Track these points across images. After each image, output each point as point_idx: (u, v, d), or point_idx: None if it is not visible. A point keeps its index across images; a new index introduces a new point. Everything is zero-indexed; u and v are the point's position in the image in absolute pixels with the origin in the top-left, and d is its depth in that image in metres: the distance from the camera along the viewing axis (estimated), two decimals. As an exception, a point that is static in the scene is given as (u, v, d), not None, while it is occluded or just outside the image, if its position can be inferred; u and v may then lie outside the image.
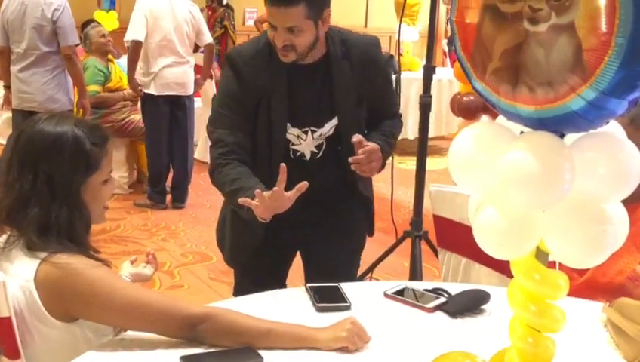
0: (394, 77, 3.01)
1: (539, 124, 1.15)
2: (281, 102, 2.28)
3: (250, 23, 10.34)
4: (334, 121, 2.31)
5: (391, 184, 3.46)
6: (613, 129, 1.19)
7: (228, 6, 8.85)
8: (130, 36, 5.34)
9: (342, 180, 2.39)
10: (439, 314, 1.88)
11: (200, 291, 3.99)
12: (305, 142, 2.32)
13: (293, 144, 2.32)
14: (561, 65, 1.07)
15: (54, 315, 1.60)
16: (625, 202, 1.21)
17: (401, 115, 2.58)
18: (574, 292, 2.09)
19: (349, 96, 2.31)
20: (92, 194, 1.71)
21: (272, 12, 2.16)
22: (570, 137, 1.18)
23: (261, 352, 1.59)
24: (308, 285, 1.97)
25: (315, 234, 2.44)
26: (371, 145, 2.20)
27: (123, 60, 6.71)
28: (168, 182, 5.67)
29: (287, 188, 2.08)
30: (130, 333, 1.67)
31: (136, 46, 5.32)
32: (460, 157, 1.24)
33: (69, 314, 1.61)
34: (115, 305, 1.60)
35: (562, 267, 2.19)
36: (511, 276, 1.34)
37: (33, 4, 4.68)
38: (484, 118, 4.84)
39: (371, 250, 4.38)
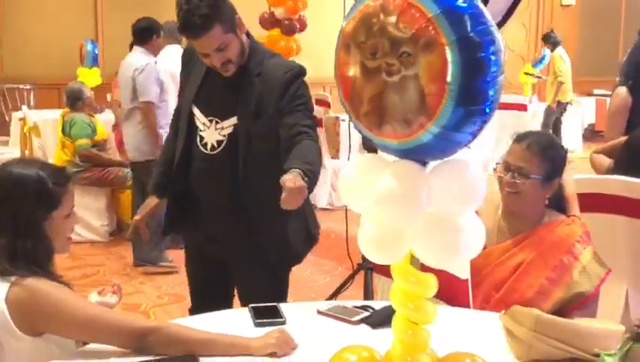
0: None
1: (403, 154, 1.45)
2: (194, 83, 2.62)
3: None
4: (234, 120, 2.55)
5: (345, 221, 3.75)
6: (464, 156, 1.48)
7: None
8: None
9: (232, 201, 2.57)
10: (363, 326, 2.14)
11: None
12: (209, 131, 2.58)
13: (200, 130, 2.60)
14: (411, 106, 1.37)
15: (23, 330, 1.85)
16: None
17: (313, 136, 2.55)
18: (493, 308, 2.37)
19: (248, 105, 2.54)
20: (55, 227, 1.98)
21: (196, 44, 2.46)
22: (432, 164, 1.48)
23: (201, 360, 1.86)
24: (250, 305, 2.23)
25: (230, 256, 2.70)
26: (289, 179, 2.18)
27: (104, 116, 7.08)
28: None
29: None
30: (90, 346, 1.93)
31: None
32: (346, 182, 1.53)
33: (35, 329, 1.87)
34: (76, 321, 1.87)
35: (485, 288, 2.49)
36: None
37: (125, 66, 5.36)
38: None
39: (333, 282, 4.67)
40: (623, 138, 4.00)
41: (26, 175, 1.96)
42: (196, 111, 2.61)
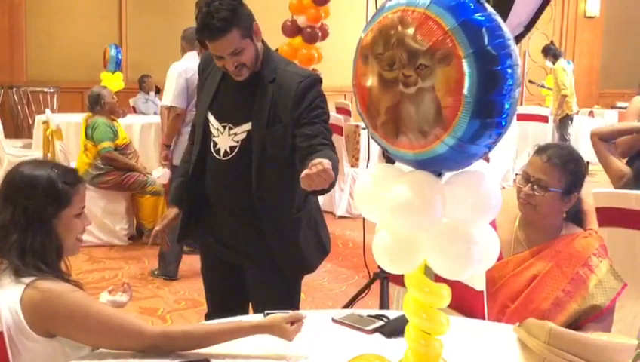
0: None
1: (418, 164, 1.47)
2: (209, 90, 2.65)
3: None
4: (247, 126, 2.58)
5: (362, 228, 3.76)
6: (479, 167, 1.50)
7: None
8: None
9: (246, 207, 2.60)
10: (377, 335, 2.16)
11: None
12: (222, 137, 2.61)
13: (213, 135, 2.63)
14: (427, 118, 1.38)
15: (37, 332, 1.88)
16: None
17: (332, 147, 2.54)
18: (508, 319, 2.38)
19: (262, 110, 2.56)
20: (65, 226, 2.02)
21: (213, 46, 2.48)
22: (448, 175, 1.50)
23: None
24: (265, 312, 2.25)
25: (243, 262, 2.72)
26: (314, 162, 2.17)
27: (126, 120, 7.15)
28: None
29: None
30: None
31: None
32: (361, 191, 1.55)
33: (49, 331, 1.90)
34: (88, 326, 1.89)
35: (501, 299, 2.49)
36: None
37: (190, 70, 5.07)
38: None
39: (349, 290, 4.67)
40: (629, 125, 3.98)
41: (36, 174, 2.02)
42: (210, 117, 2.64)
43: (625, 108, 11.31)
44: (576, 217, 2.60)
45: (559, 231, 2.54)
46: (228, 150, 2.60)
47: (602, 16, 13.20)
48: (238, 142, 2.59)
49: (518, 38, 3.45)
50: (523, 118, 9.34)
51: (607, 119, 11.13)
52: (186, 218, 2.76)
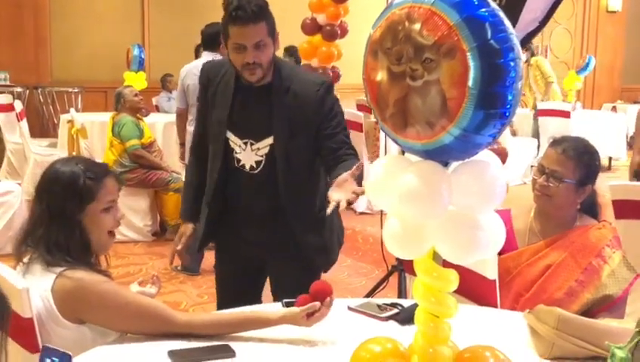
0: None
1: (425, 154, 1.53)
2: (223, 108, 2.66)
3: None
4: (270, 140, 2.63)
5: (380, 224, 3.82)
6: (485, 157, 1.55)
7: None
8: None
9: (273, 210, 2.67)
10: (391, 322, 2.22)
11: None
12: (245, 153, 2.66)
13: (235, 152, 2.66)
14: (433, 109, 1.44)
15: (67, 318, 1.98)
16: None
17: (355, 154, 2.67)
18: (522, 308, 2.43)
19: (282, 122, 2.62)
20: (92, 220, 2.09)
21: (240, 32, 2.50)
22: (454, 164, 1.56)
23: (234, 347, 1.96)
24: (284, 300, 2.32)
25: (268, 257, 2.80)
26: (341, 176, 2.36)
27: (150, 118, 7.25)
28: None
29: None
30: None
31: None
32: (372, 181, 1.61)
33: (79, 317, 1.99)
34: (121, 313, 1.99)
35: (515, 288, 2.54)
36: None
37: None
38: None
39: (369, 284, 4.73)
40: None
41: (60, 170, 2.10)
42: (230, 135, 2.67)
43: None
44: (591, 209, 2.64)
45: (574, 222, 2.58)
46: (254, 165, 2.66)
47: (625, 11, 13.11)
48: (262, 156, 2.65)
49: (533, 34, 3.49)
50: (544, 113, 9.33)
51: (630, 114, 11.09)
52: (207, 228, 2.80)
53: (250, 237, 2.77)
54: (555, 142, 2.60)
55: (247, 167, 2.67)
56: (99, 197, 2.10)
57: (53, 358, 1.57)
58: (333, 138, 2.63)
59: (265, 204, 2.69)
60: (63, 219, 2.06)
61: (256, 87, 2.61)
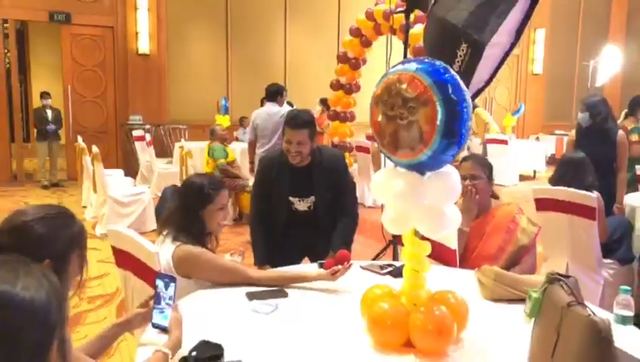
0: None
1: (409, 168, 1.55)
2: (284, 184, 2.71)
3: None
4: (313, 198, 2.76)
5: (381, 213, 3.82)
6: (448, 169, 1.58)
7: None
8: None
9: (317, 233, 2.77)
10: (388, 276, 2.23)
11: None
12: (300, 204, 2.76)
13: (294, 205, 2.76)
14: (414, 139, 1.47)
15: (179, 274, 2.02)
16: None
17: (356, 216, 2.81)
18: (473, 261, 2.40)
19: (320, 185, 2.73)
20: (209, 215, 2.12)
21: (291, 132, 2.61)
22: (428, 174, 1.58)
23: (287, 291, 2.00)
24: (319, 261, 2.36)
25: (309, 251, 2.82)
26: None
27: (232, 145, 7.28)
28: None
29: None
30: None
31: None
32: (376, 183, 1.64)
33: (187, 274, 2.04)
34: (216, 270, 2.03)
35: (480, 252, 2.51)
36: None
37: (272, 113, 5.23)
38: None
39: (373, 251, 4.69)
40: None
41: (193, 181, 2.15)
42: (290, 197, 2.76)
43: (560, 134, 11.09)
44: (494, 196, 2.66)
45: (490, 205, 2.59)
46: (306, 209, 2.77)
47: (545, 73, 12.93)
48: (309, 206, 2.76)
49: (480, 90, 3.47)
50: (491, 141, 9.23)
51: (548, 142, 10.94)
52: (269, 253, 2.75)
53: (303, 243, 2.80)
54: (465, 159, 2.64)
55: (301, 210, 2.77)
56: (215, 201, 2.12)
57: (165, 279, 1.58)
58: (344, 196, 2.75)
59: (309, 229, 2.77)
60: (190, 212, 2.08)
61: (300, 167, 2.70)
